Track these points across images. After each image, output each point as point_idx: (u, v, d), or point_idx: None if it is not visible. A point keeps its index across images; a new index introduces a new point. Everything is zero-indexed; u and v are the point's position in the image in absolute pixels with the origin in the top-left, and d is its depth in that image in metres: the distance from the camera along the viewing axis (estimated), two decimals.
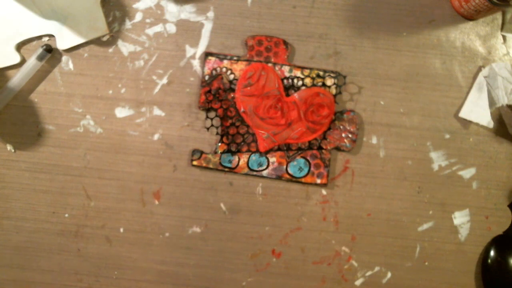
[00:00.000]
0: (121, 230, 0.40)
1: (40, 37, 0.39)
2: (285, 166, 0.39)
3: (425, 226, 0.39)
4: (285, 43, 0.39)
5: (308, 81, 0.39)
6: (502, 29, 0.40)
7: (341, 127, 0.39)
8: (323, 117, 0.39)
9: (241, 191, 0.39)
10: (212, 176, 0.39)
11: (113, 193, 0.40)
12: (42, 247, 0.40)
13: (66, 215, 0.40)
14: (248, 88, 0.39)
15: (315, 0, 0.40)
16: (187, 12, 0.40)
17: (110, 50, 0.40)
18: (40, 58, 0.38)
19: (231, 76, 0.39)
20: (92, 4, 0.39)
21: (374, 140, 0.39)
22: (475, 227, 0.39)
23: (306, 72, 0.39)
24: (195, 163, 0.39)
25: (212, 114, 0.39)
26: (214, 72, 0.39)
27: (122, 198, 0.39)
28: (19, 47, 0.39)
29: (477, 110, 0.39)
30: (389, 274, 0.39)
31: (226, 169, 0.39)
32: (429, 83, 0.40)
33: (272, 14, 0.40)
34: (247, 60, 0.39)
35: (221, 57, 0.39)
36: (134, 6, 0.40)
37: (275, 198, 0.39)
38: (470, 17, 0.39)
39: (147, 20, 0.40)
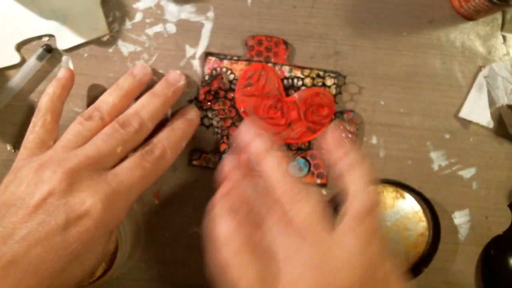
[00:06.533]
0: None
1: (40, 37, 0.39)
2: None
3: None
4: (285, 43, 0.39)
5: (308, 81, 0.39)
6: (502, 29, 0.40)
7: (341, 127, 0.39)
8: (323, 117, 0.39)
9: None
10: (212, 176, 0.39)
11: None
12: None
13: None
14: (248, 88, 0.39)
15: (315, 0, 0.40)
16: (187, 12, 0.40)
17: (110, 50, 0.40)
18: (40, 58, 0.38)
19: (231, 76, 0.39)
20: (92, 4, 0.39)
21: (374, 140, 0.39)
22: (475, 227, 0.39)
23: (306, 72, 0.39)
24: (195, 163, 0.39)
25: (212, 114, 0.39)
26: (214, 72, 0.39)
27: None
28: (19, 47, 0.39)
29: (477, 110, 0.39)
30: None
31: None
32: (429, 83, 0.40)
33: (272, 14, 0.40)
34: (247, 60, 0.39)
35: (221, 57, 0.39)
36: (134, 6, 0.40)
37: None
38: (470, 17, 0.39)
39: (147, 20, 0.40)
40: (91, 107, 0.33)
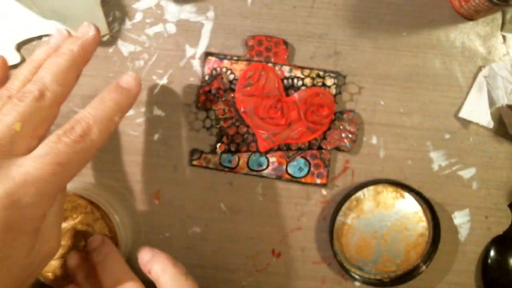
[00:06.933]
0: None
1: (40, 37, 0.39)
2: (285, 166, 0.39)
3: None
4: (285, 43, 0.39)
5: (308, 81, 0.39)
6: (502, 29, 0.40)
7: (341, 127, 0.39)
8: (323, 117, 0.39)
9: (241, 191, 0.39)
10: (212, 176, 0.39)
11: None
12: None
13: None
14: (248, 88, 0.39)
15: (315, 0, 0.40)
16: (187, 12, 0.40)
17: (110, 50, 0.40)
18: None
19: (231, 76, 0.39)
20: (92, 4, 0.39)
21: (374, 140, 0.39)
22: (475, 227, 0.39)
23: (306, 72, 0.39)
24: (195, 163, 0.39)
25: (212, 114, 0.39)
26: (214, 72, 0.39)
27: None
28: (19, 47, 0.39)
29: (477, 110, 0.39)
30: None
31: (226, 169, 0.39)
32: (429, 83, 0.40)
33: (272, 14, 0.40)
34: (247, 60, 0.39)
35: (221, 57, 0.39)
36: (134, 6, 0.40)
37: (275, 198, 0.39)
38: (470, 17, 0.39)
39: (147, 20, 0.40)
40: (2, 87, 0.28)
